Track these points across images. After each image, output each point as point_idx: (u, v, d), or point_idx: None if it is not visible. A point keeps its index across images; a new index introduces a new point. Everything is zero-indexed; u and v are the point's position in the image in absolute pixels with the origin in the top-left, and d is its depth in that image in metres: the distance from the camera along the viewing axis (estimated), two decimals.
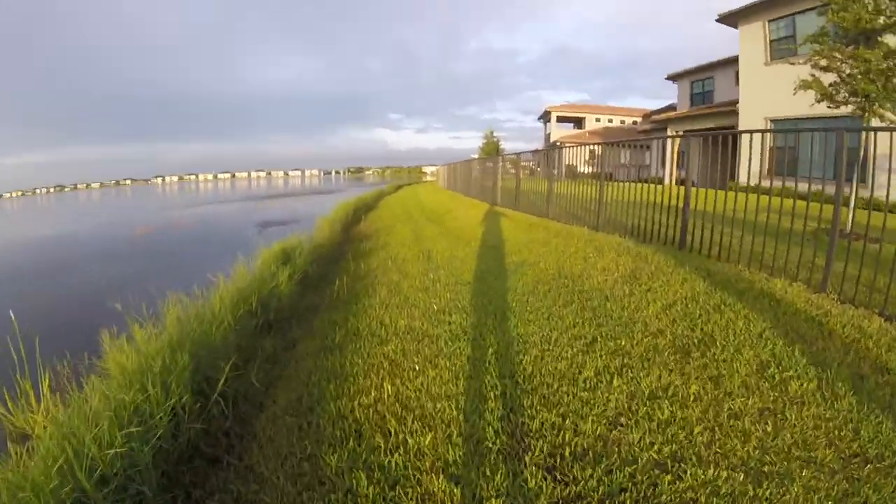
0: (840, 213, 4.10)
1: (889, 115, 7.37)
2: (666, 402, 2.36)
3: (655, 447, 2.04)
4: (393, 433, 2.28)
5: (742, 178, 5.26)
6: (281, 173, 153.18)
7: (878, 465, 1.94)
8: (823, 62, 7.89)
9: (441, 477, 1.95)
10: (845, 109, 7.80)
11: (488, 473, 1.94)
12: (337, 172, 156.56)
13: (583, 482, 1.87)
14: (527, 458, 2.00)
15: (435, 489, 1.90)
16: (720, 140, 5.38)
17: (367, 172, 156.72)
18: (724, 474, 1.90)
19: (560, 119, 41.85)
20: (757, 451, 2.04)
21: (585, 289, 4.28)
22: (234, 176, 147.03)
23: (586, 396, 2.44)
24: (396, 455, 2.10)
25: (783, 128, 12.22)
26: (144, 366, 2.58)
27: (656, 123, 24.17)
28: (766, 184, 5.12)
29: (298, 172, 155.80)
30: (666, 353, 2.89)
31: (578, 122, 42.19)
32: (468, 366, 2.95)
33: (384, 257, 7.20)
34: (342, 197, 22.76)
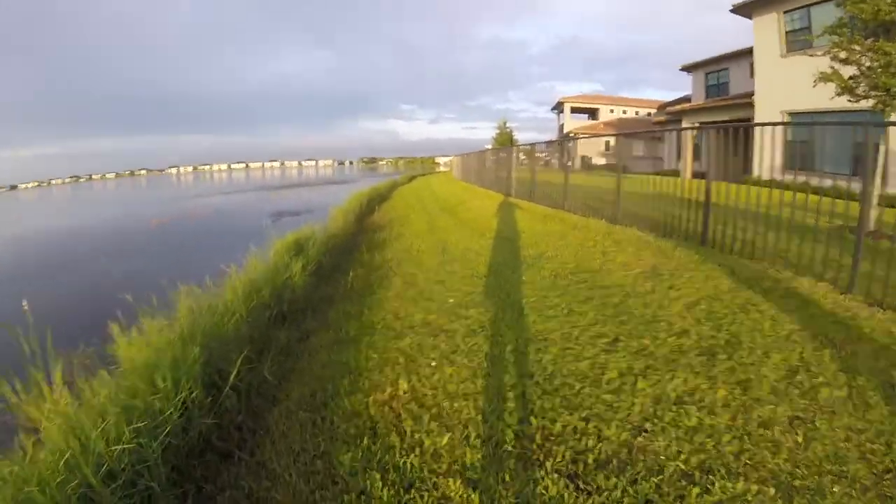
0: (868, 211, 3.93)
1: None
2: (693, 407, 2.26)
3: (683, 456, 1.95)
4: (408, 432, 2.22)
5: (757, 172, 5.11)
6: (295, 163, 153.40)
7: None
8: (842, 54, 7.62)
9: (458, 481, 1.88)
10: (866, 104, 7.54)
11: (508, 479, 1.87)
12: (350, 163, 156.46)
13: (607, 492, 1.79)
14: (548, 465, 1.92)
15: (452, 493, 1.84)
16: (731, 133, 5.19)
17: (381, 163, 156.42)
18: (755, 488, 1.81)
19: (574, 110, 41.33)
20: (788, 464, 1.94)
21: (606, 284, 4.18)
22: (248, 166, 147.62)
23: (610, 399, 2.35)
24: (412, 456, 2.04)
25: (801, 121, 11.89)
26: (154, 359, 2.54)
27: (671, 115, 23.73)
28: (782, 178, 4.96)
29: (312, 163, 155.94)
30: (691, 355, 2.79)
31: (592, 114, 41.64)
32: (486, 363, 2.87)
33: (399, 248, 7.14)
34: (356, 187, 22.71)
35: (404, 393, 2.56)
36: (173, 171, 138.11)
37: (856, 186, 4.20)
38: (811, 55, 10.31)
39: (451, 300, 4.12)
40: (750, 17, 16.33)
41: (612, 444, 2.03)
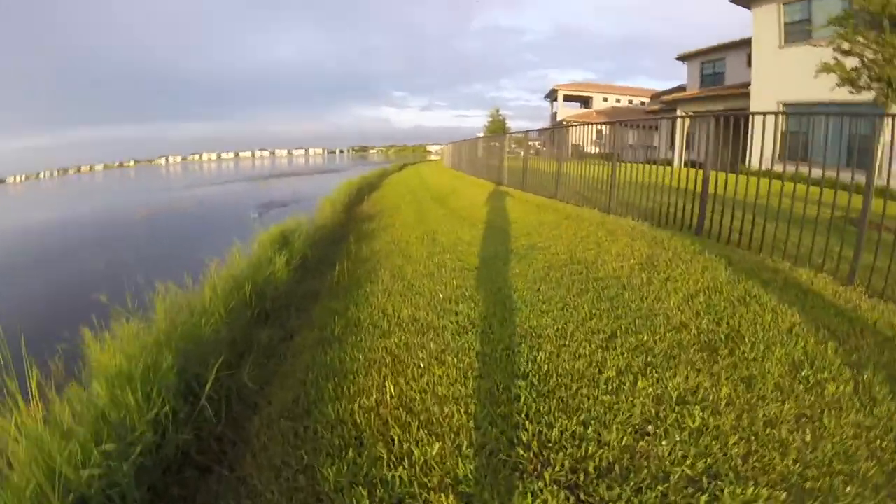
0: (867, 202, 3.85)
1: None
2: (696, 407, 2.15)
3: (688, 461, 1.83)
4: (396, 441, 2.08)
5: (752, 162, 5.05)
6: (284, 152, 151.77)
7: None
8: (846, 45, 7.56)
9: (451, 496, 1.75)
10: (867, 96, 7.50)
11: (504, 492, 1.74)
12: (341, 151, 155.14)
13: (610, 503, 1.67)
14: (546, 475, 1.79)
15: None
16: (731, 122, 5.10)
17: (372, 151, 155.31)
18: (765, 493, 1.70)
19: (567, 98, 41.16)
20: (797, 465, 1.84)
21: (600, 276, 4.05)
22: (237, 155, 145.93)
23: (609, 401, 2.22)
24: (401, 469, 1.90)
25: (797, 111, 11.86)
26: (126, 368, 2.37)
27: (665, 104, 23.69)
28: (777, 168, 4.88)
29: (302, 151, 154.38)
30: (692, 351, 2.67)
31: (585, 102, 41.48)
32: (478, 363, 2.74)
33: (387, 240, 6.97)
34: (345, 176, 22.43)
35: (391, 398, 2.42)
36: (162, 161, 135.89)
37: (850, 178, 4.14)
38: (814, 45, 10.23)
39: (441, 294, 3.98)
40: (749, 8, 16.31)
41: (613, 449, 1.91)
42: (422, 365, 2.75)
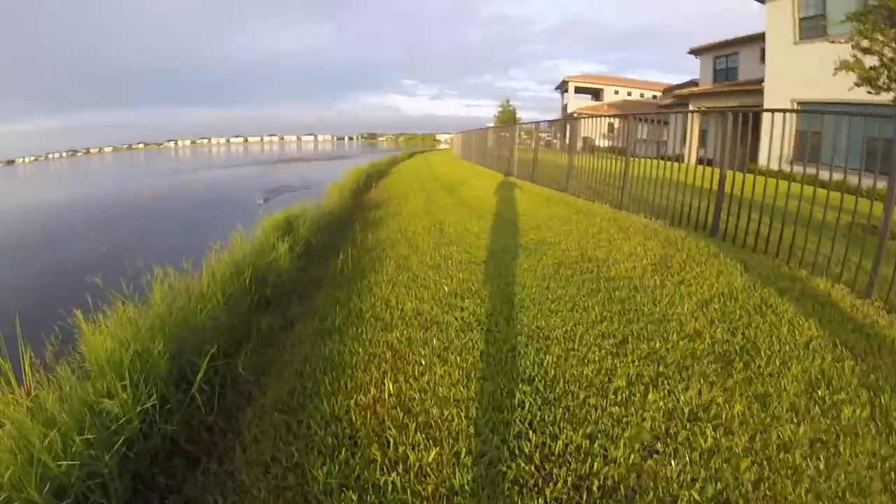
0: (889, 211, 3.67)
1: None
2: (708, 425, 2.04)
3: (697, 485, 1.73)
4: (392, 444, 1.99)
5: (763, 162, 4.86)
6: (294, 138, 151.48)
7: None
8: (865, 43, 7.26)
9: None
10: (886, 97, 7.22)
11: None
12: (350, 138, 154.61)
13: None
14: (547, 491, 1.69)
15: None
16: (741, 118, 4.91)
17: (381, 139, 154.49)
18: None
19: (578, 90, 40.63)
20: (810, 496, 1.72)
21: (612, 276, 3.93)
22: (246, 140, 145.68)
23: (617, 413, 2.12)
24: (394, 474, 1.81)
25: (812, 110, 11.53)
26: (117, 354, 2.29)
27: (678, 98, 23.25)
28: (792, 169, 4.71)
29: (311, 138, 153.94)
30: (706, 362, 2.55)
31: (596, 94, 40.94)
32: (481, 363, 2.64)
33: (394, 228, 6.86)
34: (354, 163, 22.28)
35: (389, 396, 2.33)
36: (171, 144, 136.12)
37: (869, 183, 3.96)
38: (832, 42, 9.89)
39: (446, 288, 3.88)
40: (763, 2, 15.78)
41: (619, 467, 1.80)
42: (423, 363, 2.66)
